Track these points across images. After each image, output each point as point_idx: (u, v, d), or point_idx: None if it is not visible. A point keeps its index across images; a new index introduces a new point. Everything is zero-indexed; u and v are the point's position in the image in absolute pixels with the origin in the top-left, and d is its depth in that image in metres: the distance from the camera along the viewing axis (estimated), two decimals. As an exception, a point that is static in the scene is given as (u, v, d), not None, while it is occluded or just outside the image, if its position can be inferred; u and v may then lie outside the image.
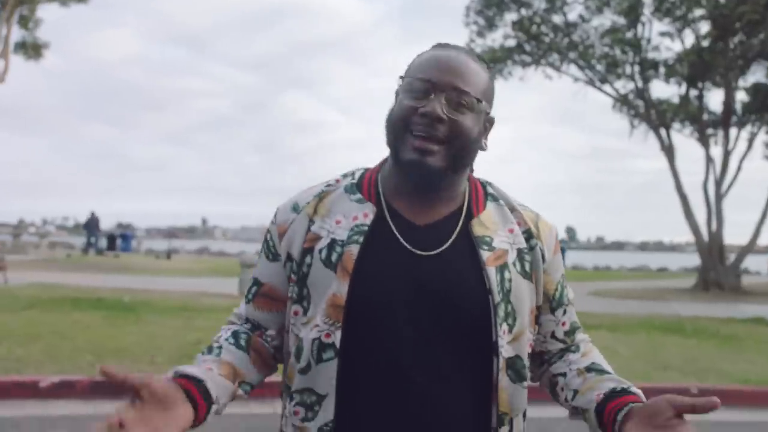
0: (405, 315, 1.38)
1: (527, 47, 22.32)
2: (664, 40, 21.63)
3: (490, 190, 1.56)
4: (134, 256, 38.67)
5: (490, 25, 22.20)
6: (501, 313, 1.39)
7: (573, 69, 23.20)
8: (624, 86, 24.01)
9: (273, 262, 1.54)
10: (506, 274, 1.43)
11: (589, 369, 1.52)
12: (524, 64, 22.74)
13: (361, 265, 1.40)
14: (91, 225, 38.70)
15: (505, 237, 1.47)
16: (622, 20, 22.52)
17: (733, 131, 23.83)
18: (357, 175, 1.56)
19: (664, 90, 29.08)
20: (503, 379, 1.40)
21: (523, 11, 21.89)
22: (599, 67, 22.79)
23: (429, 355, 1.38)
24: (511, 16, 22.13)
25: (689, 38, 21.33)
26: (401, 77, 1.47)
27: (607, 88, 23.62)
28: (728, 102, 21.66)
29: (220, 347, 1.50)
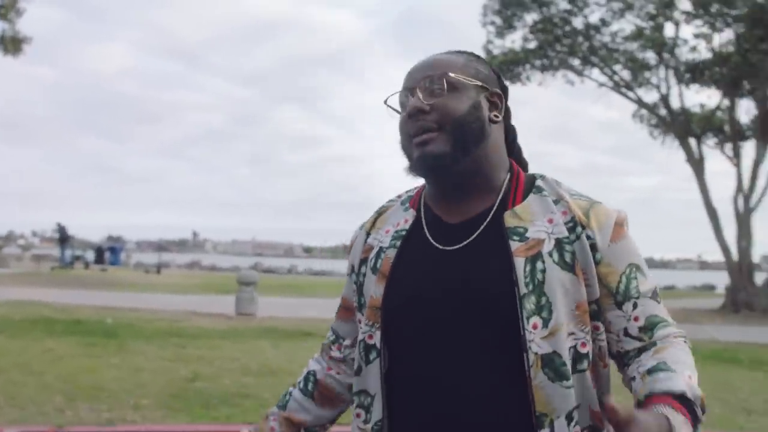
0: (432, 313, 1.38)
1: (548, 50, 20.85)
2: (699, 42, 20.04)
3: (538, 182, 1.46)
4: (123, 270, 37.05)
5: (509, 25, 20.80)
6: (529, 305, 1.31)
7: (595, 74, 21.89)
8: (646, 94, 22.64)
9: (348, 276, 1.60)
10: (539, 265, 1.34)
11: (651, 371, 1.31)
12: (544, 68, 21.35)
13: (396, 268, 1.43)
14: (62, 238, 36.89)
15: (543, 227, 1.38)
16: (644, 24, 21.18)
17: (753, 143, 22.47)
18: (415, 190, 1.58)
19: (689, 99, 27.25)
20: (538, 377, 1.30)
21: (545, 11, 20.47)
22: (624, 72, 21.38)
23: (458, 352, 1.36)
24: (531, 17, 20.81)
25: (723, 40, 20.08)
26: (386, 100, 1.50)
27: (631, 95, 22.20)
28: (765, 111, 20.25)
29: (289, 395, 1.67)
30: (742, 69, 17.96)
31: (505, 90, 1.50)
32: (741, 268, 21.34)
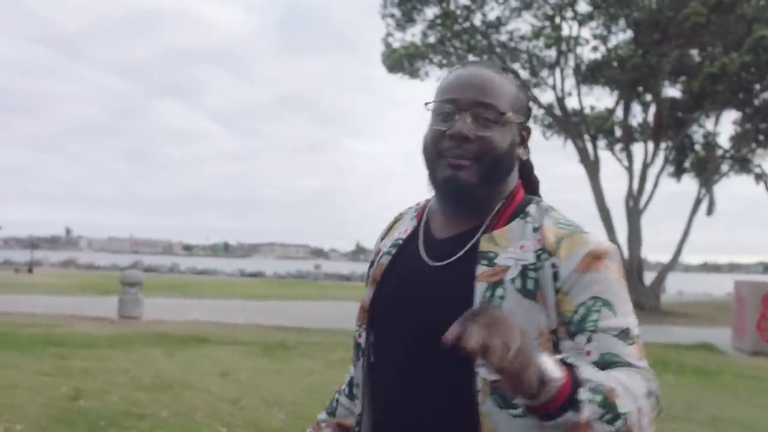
0: (405, 324, 1.42)
1: (448, 46, 20.48)
2: (597, 43, 20.10)
3: (529, 207, 1.44)
4: (-10, 269, 34.51)
5: (409, 18, 20.30)
6: None
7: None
8: (541, 94, 22.67)
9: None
10: (498, 291, 1.33)
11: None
12: (442, 65, 20.98)
13: (386, 275, 1.50)
14: None
15: (513, 253, 1.36)
16: (540, 23, 21.20)
17: (641, 146, 22.95)
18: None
19: (582, 100, 27.16)
20: (486, 403, 1.31)
21: (444, 5, 20.05)
22: (521, 72, 21.26)
23: (418, 368, 1.38)
24: (431, 11, 20.36)
25: (618, 42, 20.26)
26: (427, 103, 1.47)
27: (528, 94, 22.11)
28: (659, 113, 20.59)
29: (336, 401, 1.71)
30: (641, 70, 18.12)
31: (529, 112, 1.51)
32: (632, 269, 21.69)
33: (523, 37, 21.74)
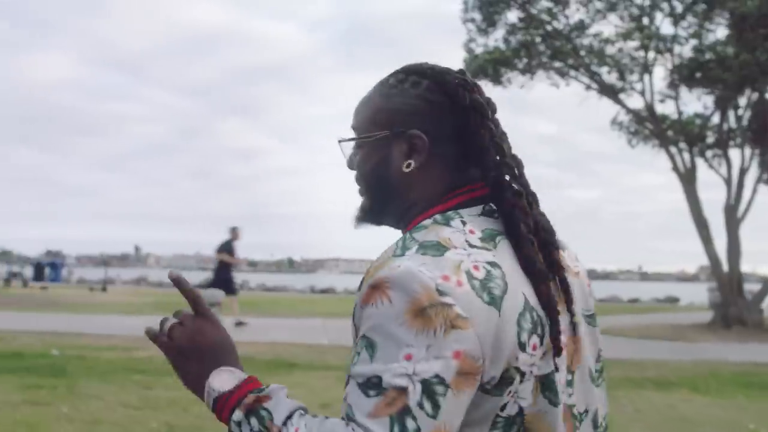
0: None
1: (532, 50, 19.47)
2: (694, 42, 18.85)
3: (409, 232, 1.27)
4: (65, 288, 34.70)
5: (491, 22, 19.40)
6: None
7: (581, 76, 20.58)
8: (628, 99, 21.45)
9: None
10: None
11: None
12: (524, 71, 19.98)
13: None
14: None
15: None
16: (626, 25, 20.06)
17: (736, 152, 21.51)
18: None
19: (671, 106, 25.06)
20: None
21: (527, 7, 19.10)
22: (609, 76, 20.13)
23: None
24: (513, 15, 19.47)
25: (713, 40, 18.93)
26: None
27: (617, 98, 20.96)
28: (765, 115, 19.16)
29: None
30: (751, 69, 16.82)
31: (458, 105, 1.31)
32: (731, 282, 20.28)
33: (607, 40, 20.63)
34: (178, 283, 1.32)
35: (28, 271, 41.65)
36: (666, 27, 19.25)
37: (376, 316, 1.12)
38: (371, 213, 1.37)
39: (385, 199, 1.34)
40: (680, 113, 21.79)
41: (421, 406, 1.07)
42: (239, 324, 16.41)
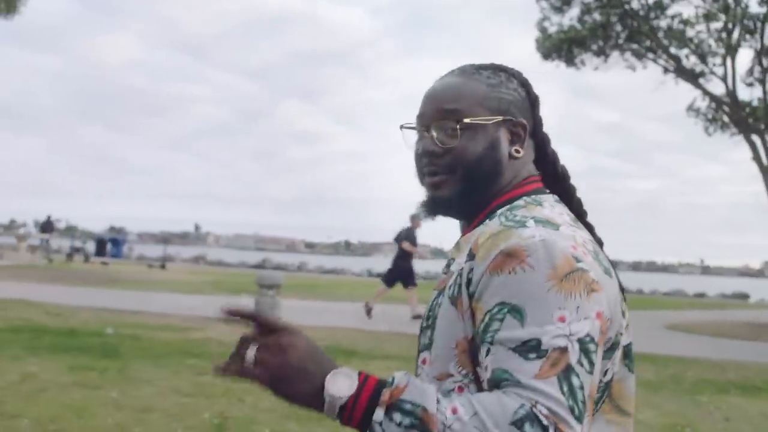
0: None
1: (609, 30, 18.53)
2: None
3: (500, 209, 1.32)
4: (125, 264, 34.93)
5: (566, 1, 18.50)
6: (423, 340, 1.31)
7: (659, 59, 19.56)
8: (706, 84, 20.34)
9: None
10: (439, 299, 1.29)
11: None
12: (599, 52, 19.06)
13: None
14: (46, 229, 34.72)
15: (462, 258, 1.28)
16: (709, 5, 18.97)
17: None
18: None
19: (765, 88, 23.00)
20: None
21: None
22: (689, 59, 19.07)
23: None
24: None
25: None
26: (402, 126, 1.47)
27: (696, 83, 19.88)
28: None
29: None
30: None
31: (535, 102, 1.43)
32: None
33: (687, 22, 19.57)
34: (237, 314, 1.24)
35: (91, 247, 42.14)
36: (753, 6, 17.94)
37: (517, 282, 1.14)
38: (466, 193, 1.33)
39: (486, 182, 1.34)
40: (759, 99, 20.62)
41: (581, 363, 1.10)
42: (416, 317, 15.15)
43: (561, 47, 18.43)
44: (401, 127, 1.44)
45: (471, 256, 1.22)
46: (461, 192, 1.34)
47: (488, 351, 1.13)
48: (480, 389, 1.18)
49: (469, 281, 1.20)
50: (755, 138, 20.04)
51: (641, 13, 19.30)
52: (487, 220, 1.31)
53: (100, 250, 40.47)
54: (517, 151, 1.36)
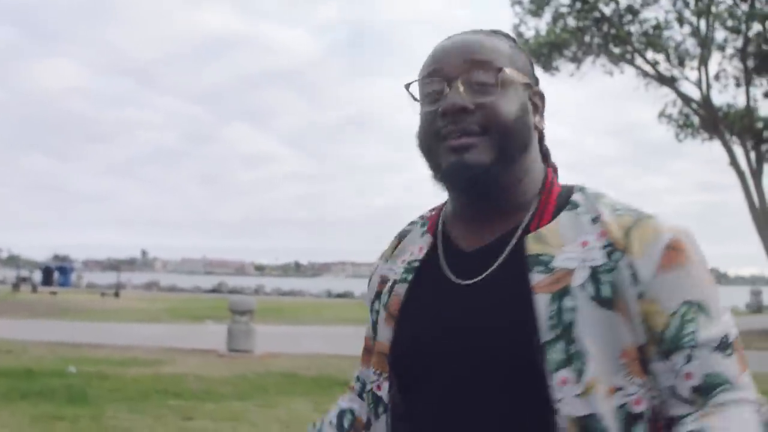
0: (443, 364, 1.11)
1: (587, 35, 17.92)
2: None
3: (574, 197, 1.16)
4: (75, 293, 33.34)
5: (540, 5, 17.80)
6: (556, 355, 1.03)
7: (638, 62, 19.06)
8: (679, 87, 19.90)
9: (370, 312, 1.31)
10: (567, 302, 1.05)
11: None
12: (574, 58, 18.44)
13: (406, 307, 1.19)
14: None
15: (574, 253, 1.08)
16: (683, 10, 18.56)
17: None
18: (437, 208, 1.31)
19: (748, 94, 22.63)
20: None
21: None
22: (665, 63, 18.56)
23: (476, 412, 1.08)
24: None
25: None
26: (408, 84, 1.20)
27: (669, 88, 19.43)
28: None
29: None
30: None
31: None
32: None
33: (657, 27, 19.14)
34: None
35: (38, 276, 40.45)
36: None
37: (690, 277, 1.06)
38: (503, 159, 1.11)
39: (519, 152, 1.14)
40: (729, 105, 20.37)
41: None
42: None
43: (540, 52, 17.77)
44: (407, 85, 1.20)
45: (619, 251, 1.05)
46: (496, 158, 1.11)
47: (689, 356, 1.03)
48: (654, 398, 1.04)
49: (633, 279, 1.04)
50: (735, 144, 19.72)
51: (614, 18, 18.80)
52: (570, 212, 1.13)
53: (48, 279, 38.92)
54: (541, 123, 1.21)
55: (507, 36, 1.23)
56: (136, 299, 30.07)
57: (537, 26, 18.42)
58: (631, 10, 18.89)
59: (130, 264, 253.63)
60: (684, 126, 21.87)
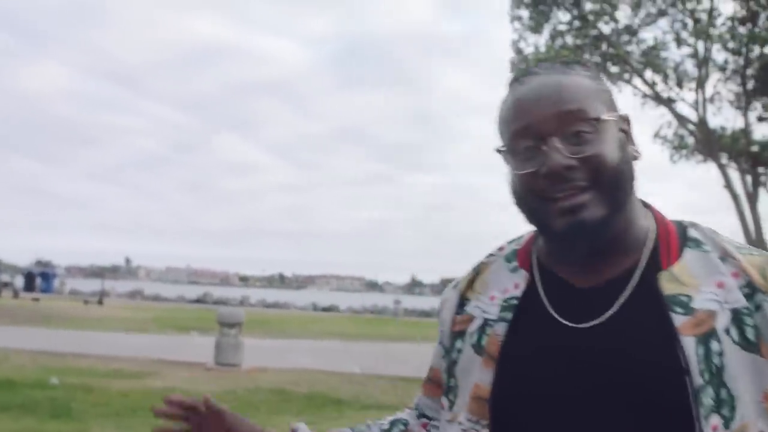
0: (566, 413, 1.03)
1: (585, 52, 17.85)
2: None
3: (692, 233, 1.11)
4: (57, 300, 32.85)
5: (546, 19, 17.65)
6: (707, 401, 0.97)
7: (635, 82, 18.98)
8: (675, 107, 19.79)
9: (439, 344, 1.27)
10: (714, 346, 1.00)
11: None
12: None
13: (508, 348, 1.10)
14: None
15: (712, 294, 1.03)
16: (681, 29, 18.48)
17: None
18: (523, 240, 1.23)
19: (746, 115, 22.47)
20: None
21: (579, 10, 17.47)
22: (663, 84, 18.49)
23: None
24: (563, 15, 17.80)
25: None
26: (499, 149, 1.11)
27: (669, 107, 19.34)
28: None
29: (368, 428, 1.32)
30: None
31: None
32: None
33: (654, 47, 19.07)
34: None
35: (19, 281, 39.89)
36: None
37: None
38: (616, 208, 1.05)
39: (628, 192, 1.08)
40: (722, 128, 20.32)
41: None
42: None
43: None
44: (498, 150, 1.11)
45: (761, 292, 1.01)
46: (610, 209, 1.04)
47: None
48: None
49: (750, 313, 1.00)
50: (730, 168, 19.63)
51: (613, 37, 18.71)
52: (694, 250, 1.08)
53: (30, 285, 38.37)
54: (637, 152, 1.12)
55: (584, 66, 1.14)
56: (120, 308, 29.62)
57: (536, 42, 18.35)
58: (630, 30, 18.84)
59: (113, 271, 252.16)
60: (679, 147, 21.83)
